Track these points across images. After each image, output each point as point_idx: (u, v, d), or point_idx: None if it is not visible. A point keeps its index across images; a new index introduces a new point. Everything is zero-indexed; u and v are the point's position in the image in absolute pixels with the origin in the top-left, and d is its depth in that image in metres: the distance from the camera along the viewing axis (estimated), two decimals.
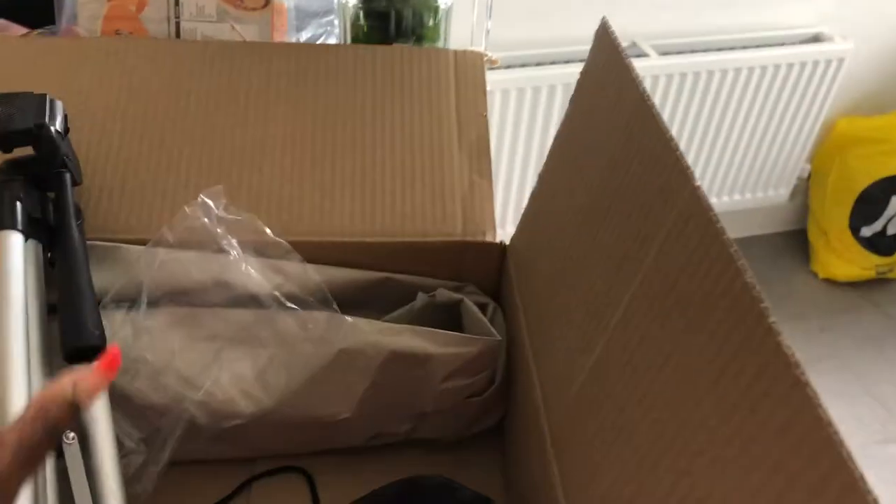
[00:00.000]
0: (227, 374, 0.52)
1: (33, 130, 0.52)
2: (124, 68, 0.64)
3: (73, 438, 0.44)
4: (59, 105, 0.55)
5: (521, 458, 0.54)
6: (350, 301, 0.57)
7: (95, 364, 0.34)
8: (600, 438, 0.40)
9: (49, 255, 0.52)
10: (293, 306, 0.54)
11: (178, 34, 0.72)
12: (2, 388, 0.42)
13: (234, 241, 0.55)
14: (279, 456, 0.57)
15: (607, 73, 0.48)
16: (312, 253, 0.58)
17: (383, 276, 0.60)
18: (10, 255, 0.48)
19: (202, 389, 0.52)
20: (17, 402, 0.42)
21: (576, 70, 0.51)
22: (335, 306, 0.55)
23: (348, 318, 0.54)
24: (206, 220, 0.56)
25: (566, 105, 0.54)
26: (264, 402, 0.52)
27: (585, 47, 0.51)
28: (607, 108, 0.47)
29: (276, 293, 0.54)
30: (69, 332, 0.47)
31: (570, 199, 0.50)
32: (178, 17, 0.72)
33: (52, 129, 0.53)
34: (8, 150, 0.54)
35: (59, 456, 0.43)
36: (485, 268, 0.61)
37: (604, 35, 0.49)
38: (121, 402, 0.51)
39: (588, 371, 0.43)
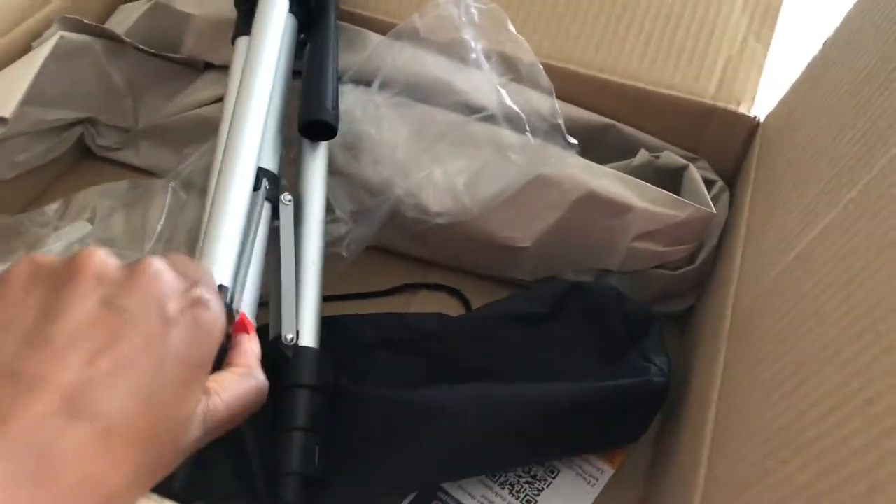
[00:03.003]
0: (440, 171, 0.51)
1: None
2: None
3: (289, 201, 0.46)
4: None
5: (692, 355, 0.48)
6: None
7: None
8: (785, 324, 0.33)
9: (302, 35, 0.53)
10: (514, 107, 0.51)
11: None
12: (239, 129, 0.44)
13: (476, 36, 0.53)
14: (449, 268, 0.57)
15: None
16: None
17: (608, 123, 0.54)
18: (273, 17, 0.50)
19: (413, 180, 0.52)
20: (247, 163, 0.44)
21: None
22: (559, 117, 0.51)
23: (552, 146, 0.50)
24: (454, 10, 0.54)
25: None
26: (469, 207, 0.51)
27: None
28: None
29: (504, 93, 0.51)
30: (308, 106, 0.48)
31: (850, 68, 0.41)
32: None
33: None
34: None
35: (275, 216, 0.45)
36: (726, 142, 0.53)
37: None
38: (339, 174, 0.53)
39: (795, 255, 0.36)
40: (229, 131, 0.45)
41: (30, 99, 0.51)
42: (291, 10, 0.52)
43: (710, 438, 0.36)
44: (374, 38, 0.57)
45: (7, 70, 0.51)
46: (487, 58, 0.54)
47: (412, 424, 0.42)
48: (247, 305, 0.39)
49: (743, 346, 0.37)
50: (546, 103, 0.52)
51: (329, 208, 0.50)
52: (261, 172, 0.44)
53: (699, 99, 0.52)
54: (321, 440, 0.39)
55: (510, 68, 0.52)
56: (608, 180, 0.49)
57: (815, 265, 0.32)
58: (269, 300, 0.44)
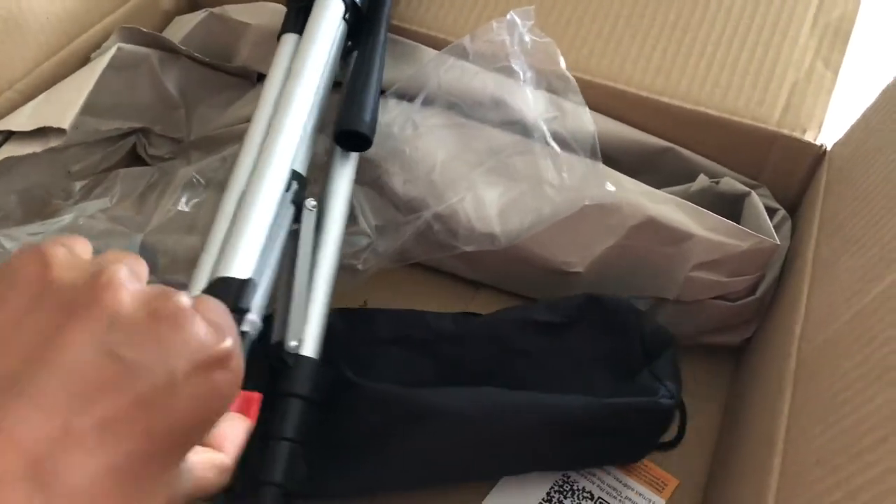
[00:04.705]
0: (473, 198, 0.51)
1: None
2: None
3: (313, 207, 0.45)
4: None
5: (750, 385, 0.47)
6: (620, 163, 0.52)
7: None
8: (864, 372, 0.32)
9: (349, 43, 0.53)
10: (555, 145, 0.50)
11: None
12: (279, 132, 0.44)
13: (525, 67, 0.52)
14: (499, 290, 0.56)
15: None
16: (599, 98, 0.53)
17: (666, 146, 0.53)
18: (328, 18, 0.50)
19: (445, 203, 0.51)
20: (282, 165, 0.44)
21: None
22: (599, 158, 0.50)
23: (610, 170, 0.49)
24: (507, 38, 0.53)
25: None
26: (498, 236, 0.50)
27: None
28: None
29: (545, 128, 0.51)
30: (347, 115, 0.48)
31: None
32: None
33: None
34: None
35: (297, 220, 0.45)
36: (789, 170, 0.52)
37: None
38: (368, 187, 0.52)
39: (871, 299, 0.34)
40: (269, 129, 0.45)
41: (86, 109, 0.51)
42: (344, 16, 0.52)
43: (775, 487, 0.34)
44: (427, 53, 0.56)
45: (66, 81, 0.51)
46: (531, 77, 0.53)
47: (410, 421, 0.42)
48: (256, 307, 0.38)
49: (813, 390, 0.35)
50: (587, 124, 0.51)
51: (351, 218, 0.50)
52: (291, 174, 0.44)
53: (763, 125, 0.51)
54: (303, 451, 0.39)
55: (556, 106, 0.51)
56: (667, 206, 0.48)
57: (887, 315, 0.31)
58: (276, 302, 0.43)
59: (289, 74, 0.47)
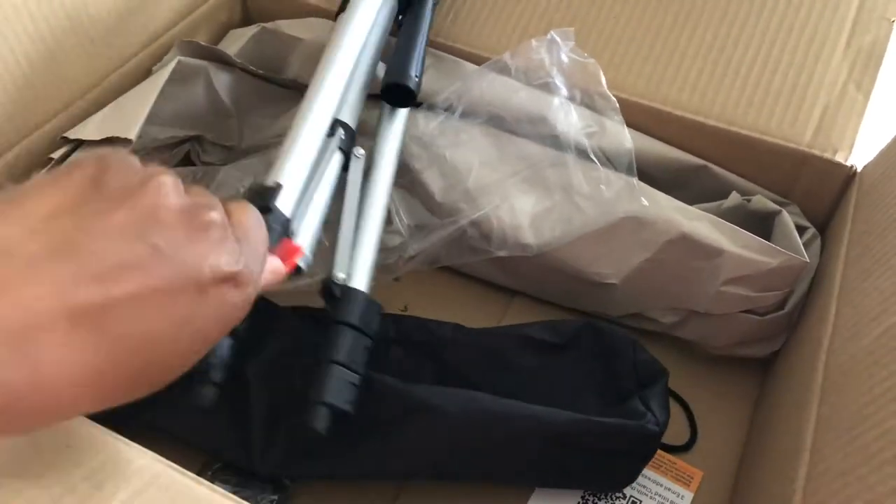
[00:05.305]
0: (507, 207, 0.53)
1: None
2: None
3: (361, 154, 0.48)
4: None
5: (777, 396, 0.48)
6: (655, 179, 0.54)
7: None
8: (886, 388, 0.33)
9: (400, 18, 0.56)
10: (594, 160, 0.52)
11: None
12: (321, 78, 0.47)
13: (565, 84, 0.54)
14: (533, 298, 0.58)
15: None
16: (636, 117, 0.55)
17: (700, 164, 0.55)
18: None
19: (481, 211, 0.53)
20: (324, 108, 0.46)
21: None
22: (635, 174, 0.52)
23: (645, 185, 0.51)
24: (546, 56, 0.55)
25: None
26: (530, 245, 0.52)
27: None
28: None
29: (584, 142, 0.53)
30: (393, 70, 0.52)
31: None
32: None
33: None
34: None
35: (345, 168, 0.48)
36: (820, 190, 0.53)
37: None
38: (406, 188, 0.55)
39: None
40: (311, 80, 0.47)
41: (147, 118, 0.54)
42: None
43: (801, 496, 0.36)
44: (469, 69, 0.58)
45: (131, 92, 0.54)
46: (572, 95, 0.55)
47: (400, 415, 0.44)
48: (306, 246, 0.41)
49: (839, 405, 0.37)
50: (625, 141, 0.53)
51: (388, 219, 0.52)
52: (337, 123, 0.47)
53: (794, 146, 0.52)
54: (357, 379, 0.41)
55: (595, 123, 0.53)
56: (701, 223, 0.50)
57: None
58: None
59: (331, 35, 0.50)
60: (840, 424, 0.36)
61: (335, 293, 0.43)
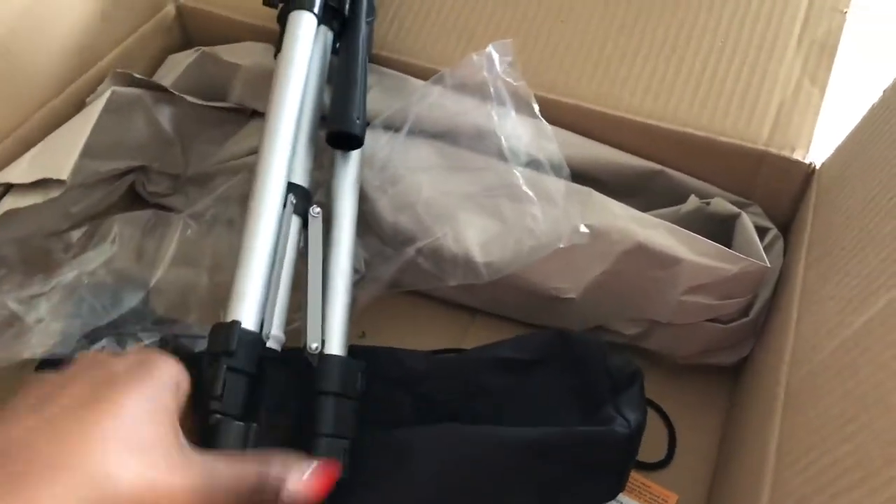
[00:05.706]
0: (453, 232, 0.51)
1: None
2: None
3: (317, 213, 0.46)
4: None
5: (744, 408, 0.47)
6: (610, 187, 0.52)
7: (314, 477, 0.34)
8: (843, 409, 0.32)
9: (337, 45, 0.54)
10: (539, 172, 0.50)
11: None
12: (268, 152, 0.45)
13: (507, 97, 0.52)
14: (495, 316, 0.56)
15: None
16: (587, 122, 0.53)
17: (656, 169, 0.53)
18: (300, 34, 0.50)
19: (430, 238, 0.51)
20: (278, 172, 0.45)
21: None
22: (569, 178, 0.50)
23: (599, 195, 0.49)
24: (486, 73, 0.53)
25: None
26: (482, 274, 0.50)
27: None
28: None
29: (529, 155, 0.51)
30: (335, 116, 0.49)
31: None
32: None
33: None
34: None
35: (304, 226, 0.46)
36: (780, 189, 0.52)
37: None
38: (361, 216, 0.53)
39: (854, 332, 0.34)
40: (259, 148, 0.46)
41: (84, 152, 0.52)
42: (324, 22, 0.53)
43: None
44: (414, 84, 0.56)
45: (63, 127, 0.52)
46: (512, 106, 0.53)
47: (387, 465, 0.42)
48: (277, 324, 0.41)
49: (798, 425, 0.36)
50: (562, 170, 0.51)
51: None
52: (289, 188, 0.45)
53: (751, 145, 0.51)
54: (347, 445, 0.40)
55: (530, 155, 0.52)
56: (657, 231, 0.48)
57: (875, 347, 0.31)
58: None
59: (269, 95, 0.48)
60: (798, 446, 0.34)
61: (312, 363, 0.41)
